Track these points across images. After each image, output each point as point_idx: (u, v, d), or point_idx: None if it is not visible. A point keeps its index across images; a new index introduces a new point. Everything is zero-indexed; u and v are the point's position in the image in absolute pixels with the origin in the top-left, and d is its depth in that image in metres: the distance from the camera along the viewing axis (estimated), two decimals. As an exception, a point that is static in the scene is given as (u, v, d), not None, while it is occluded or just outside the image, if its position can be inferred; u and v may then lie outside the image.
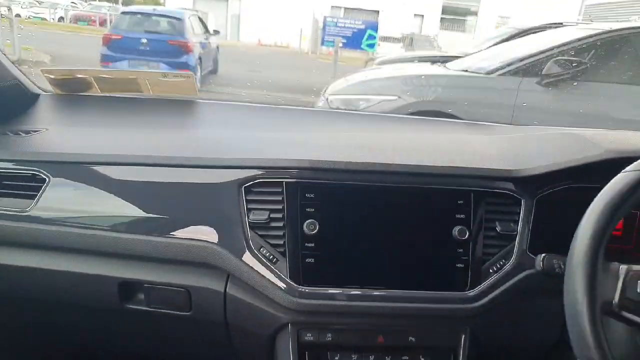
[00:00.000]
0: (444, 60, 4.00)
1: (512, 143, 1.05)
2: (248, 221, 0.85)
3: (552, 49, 3.10)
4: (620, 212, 0.64)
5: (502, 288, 0.86)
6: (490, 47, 4.46)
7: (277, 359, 0.89)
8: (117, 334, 1.08)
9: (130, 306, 0.94)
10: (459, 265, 0.86)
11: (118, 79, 1.23)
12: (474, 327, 0.89)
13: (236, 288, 0.89)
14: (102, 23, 14.99)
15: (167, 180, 0.91)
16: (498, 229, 0.87)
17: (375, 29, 12.96)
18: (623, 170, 0.66)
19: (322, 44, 13.44)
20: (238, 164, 0.89)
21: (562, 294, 0.64)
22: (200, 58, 6.96)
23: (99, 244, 0.90)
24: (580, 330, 0.60)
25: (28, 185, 0.92)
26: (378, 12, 19.49)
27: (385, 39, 15.48)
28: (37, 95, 1.20)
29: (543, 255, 0.77)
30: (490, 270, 0.87)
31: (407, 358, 0.88)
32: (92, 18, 15.70)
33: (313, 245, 0.84)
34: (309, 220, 0.84)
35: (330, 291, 0.84)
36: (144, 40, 6.44)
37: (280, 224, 0.85)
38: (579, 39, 3.15)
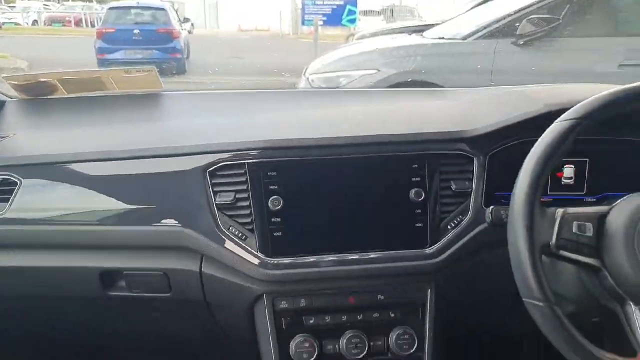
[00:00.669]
0: (422, 29, 3.99)
1: (463, 106, 1.10)
2: (215, 203, 0.89)
3: (525, 8, 3.10)
4: (552, 161, 0.68)
5: (460, 243, 0.91)
6: (465, 12, 4.44)
7: (256, 327, 0.95)
8: (102, 320, 1.14)
9: (113, 293, 0.99)
10: (418, 224, 0.91)
11: (82, 79, 1.24)
12: (438, 281, 0.94)
13: (210, 267, 0.94)
14: (78, 23, 14.71)
15: (135, 172, 0.94)
16: (453, 187, 0.92)
17: (355, 3, 12.74)
18: (555, 121, 0.70)
19: (303, 23, 13.18)
20: (201, 149, 0.92)
21: None
22: (185, 43, 7.80)
23: (77, 238, 0.95)
24: (523, 273, 0.65)
25: (0, 190, 0.95)
26: (356, -14, 19.19)
27: (366, 12, 15.28)
28: (2, 102, 1.21)
29: (491, 207, 0.82)
30: (449, 227, 0.92)
31: (378, 315, 0.94)
32: (67, 18, 15.43)
33: (279, 220, 0.89)
34: (273, 197, 0.89)
35: (298, 260, 0.90)
36: (136, 31, 7.16)
37: (247, 203, 0.89)
38: (551, -4, 3.14)
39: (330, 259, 0.90)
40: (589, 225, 0.68)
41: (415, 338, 0.93)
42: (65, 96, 1.26)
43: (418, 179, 0.91)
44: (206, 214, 0.90)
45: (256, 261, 0.89)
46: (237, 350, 1.11)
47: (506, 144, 0.94)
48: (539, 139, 0.70)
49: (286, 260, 0.89)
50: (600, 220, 0.69)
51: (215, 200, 0.89)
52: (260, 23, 18.42)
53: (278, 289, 0.92)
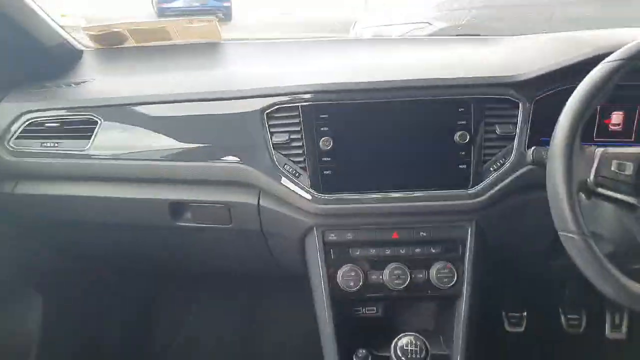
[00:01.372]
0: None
1: (511, 52, 1.10)
2: (272, 143, 0.97)
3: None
4: (594, 100, 0.69)
5: (501, 184, 0.94)
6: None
7: (307, 257, 1.04)
8: (171, 248, 1.27)
9: (180, 223, 1.11)
10: (461, 166, 0.95)
11: (149, 29, 1.34)
12: (479, 220, 0.99)
13: (267, 200, 1.02)
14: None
15: (199, 114, 1.03)
16: (498, 131, 0.95)
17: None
18: (602, 62, 0.71)
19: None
20: (259, 93, 0.99)
21: None
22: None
23: (148, 173, 1.06)
24: (559, 207, 0.67)
25: (84, 128, 1.07)
26: None
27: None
28: (81, 52, 1.33)
29: (533, 147, 0.85)
30: (491, 169, 0.95)
31: (419, 250, 1.00)
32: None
33: (329, 159, 0.96)
34: (324, 138, 0.95)
35: (346, 197, 0.96)
36: None
37: (300, 143, 0.96)
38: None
39: (376, 196, 0.96)
40: (629, 164, 0.69)
41: (455, 273, 0.98)
42: (135, 45, 1.37)
43: (464, 122, 0.94)
44: (264, 153, 0.97)
45: (308, 196, 0.96)
46: (291, 279, 1.21)
47: (552, 89, 0.94)
48: (584, 79, 0.71)
49: (335, 196, 0.96)
50: None
51: (272, 139, 0.97)
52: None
53: (327, 222, 0.99)
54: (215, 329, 1.68)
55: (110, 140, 1.07)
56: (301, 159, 0.96)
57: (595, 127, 0.97)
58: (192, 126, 1.04)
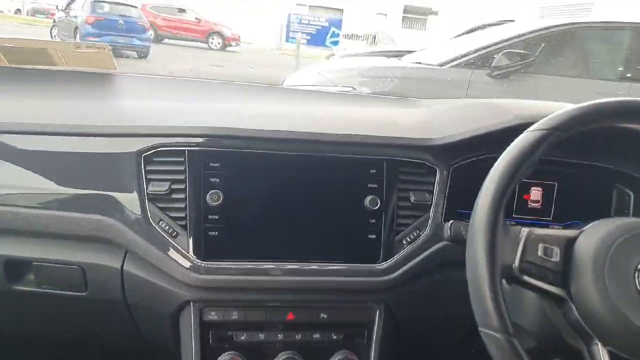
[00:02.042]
0: (401, 55, 4.02)
1: (428, 114, 1.03)
2: (147, 192, 0.79)
3: (501, 42, 3.15)
4: (519, 172, 0.61)
5: (416, 260, 0.84)
6: (444, 41, 4.51)
7: (181, 338, 0.85)
8: (7, 318, 0.99)
9: (19, 287, 0.87)
10: (370, 236, 0.83)
11: (26, 48, 1.14)
12: (389, 301, 0.86)
13: (134, 265, 0.83)
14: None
15: (59, 150, 0.83)
16: (412, 199, 0.85)
17: (339, 26, 12.97)
18: (526, 131, 0.64)
19: (287, 40, 13.33)
20: (136, 131, 0.82)
21: None
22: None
23: None
24: (480, 298, 0.56)
25: None
26: (342, 10, 19.55)
27: (350, 36, 15.54)
28: None
29: (451, 222, 0.73)
30: (404, 242, 0.84)
31: (319, 336, 0.85)
32: (52, 11, 15.27)
33: (217, 217, 0.80)
34: (213, 191, 0.79)
35: (233, 266, 0.80)
36: (122, 22, 8.65)
37: (182, 196, 0.80)
38: (527, 33, 3.21)
39: (270, 267, 0.81)
40: (556, 249, 0.61)
41: None
42: (8, 66, 1.14)
43: (375, 185, 0.83)
44: (134, 204, 0.80)
45: (186, 263, 0.78)
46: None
47: (471, 157, 0.88)
48: (507, 149, 0.63)
49: (219, 265, 0.79)
50: (568, 245, 0.62)
51: (147, 189, 0.80)
52: (244, 36, 18.43)
53: (208, 296, 0.82)
54: None
55: None
56: (182, 214, 0.80)
57: (515, 202, 0.91)
58: (47, 164, 0.84)
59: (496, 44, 3.14)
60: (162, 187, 0.79)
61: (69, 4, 9.39)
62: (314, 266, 0.82)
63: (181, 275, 0.79)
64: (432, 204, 0.85)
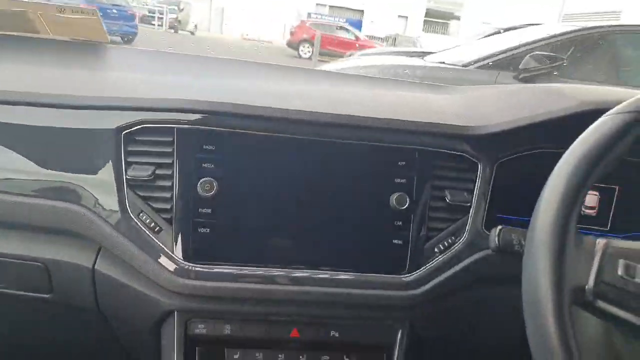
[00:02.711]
0: (423, 54, 3.92)
1: (471, 98, 0.89)
2: (126, 177, 0.67)
3: (530, 43, 3.04)
4: (599, 168, 0.48)
5: (449, 272, 0.71)
6: (468, 43, 4.40)
7: (162, 354, 0.72)
8: None
9: None
10: (396, 241, 0.71)
11: (0, 11, 0.96)
12: (414, 320, 0.74)
13: (108, 264, 0.71)
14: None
15: (21, 123, 0.70)
16: (448, 198, 0.72)
17: (359, 27, 12.89)
18: (606, 114, 0.51)
19: (305, 40, 13.30)
20: (117, 103, 0.69)
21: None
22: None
23: None
24: (541, 326, 0.45)
25: None
26: (363, 11, 19.44)
27: (369, 38, 15.43)
28: None
29: (499, 227, 0.61)
30: (436, 250, 0.72)
31: (328, 358, 0.72)
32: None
33: (209, 210, 0.67)
34: (205, 179, 0.67)
35: (227, 271, 0.67)
36: (114, 10, 10.22)
37: (168, 183, 0.67)
38: (557, 35, 3.10)
39: (272, 273, 0.68)
40: None
41: None
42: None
43: (403, 180, 0.71)
44: (111, 191, 0.67)
45: (170, 265, 0.66)
46: None
47: (523, 151, 0.74)
48: (581, 136, 0.51)
49: (210, 269, 0.67)
50: None
51: (126, 173, 0.67)
52: (264, 34, 18.44)
53: (195, 306, 0.69)
54: None
55: None
56: (167, 205, 0.67)
57: None
58: (8, 139, 0.70)
59: (525, 45, 3.03)
60: (145, 172, 0.67)
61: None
62: (326, 275, 0.69)
63: (164, 279, 0.66)
64: (471, 205, 0.72)
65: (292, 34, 14.43)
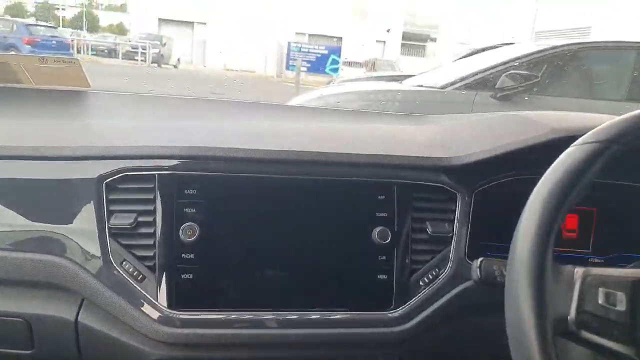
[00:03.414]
0: (401, 79, 3.98)
1: (445, 129, 0.90)
2: (108, 226, 0.67)
3: (505, 63, 3.10)
4: (570, 197, 0.48)
5: (435, 305, 0.71)
6: (444, 65, 4.48)
7: None
8: None
9: None
10: (380, 276, 0.71)
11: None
12: (404, 355, 0.73)
13: (91, 316, 0.70)
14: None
15: (5, 176, 0.70)
16: (429, 230, 0.73)
17: (338, 53, 13.10)
18: (573, 144, 0.52)
19: (287, 68, 13.46)
20: (97, 153, 0.69)
21: None
22: (72, 53, 12.92)
23: None
24: (526, 358, 0.44)
25: None
26: (341, 38, 19.83)
27: (349, 63, 15.71)
28: None
29: (480, 259, 0.61)
30: (421, 283, 0.72)
31: None
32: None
33: (192, 256, 0.67)
34: (187, 224, 0.67)
35: (214, 316, 0.67)
36: (54, 42, 11.73)
37: (150, 230, 0.68)
38: (531, 54, 3.17)
39: (259, 317, 0.68)
40: (621, 295, 0.47)
41: None
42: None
43: (384, 214, 0.72)
44: (93, 241, 0.67)
45: (154, 313, 0.66)
46: None
47: (499, 179, 0.75)
48: (552, 166, 0.51)
49: (196, 316, 0.67)
50: (636, 288, 0.48)
51: (109, 222, 0.67)
52: (246, 64, 18.66)
53: (183, 354, 0.68)
54: None
55: None
56: (150, 253, 0.67)
57: None
58: None
59: (499, 65, 3.09)
60: (127, 220, 0.67)
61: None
62: (315, 316, 0.69)
63: (148, 329, 0.66)
64: (453, 236, 0.73)
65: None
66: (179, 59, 19.00)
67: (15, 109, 0.93)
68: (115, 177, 0.68)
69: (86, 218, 0.68)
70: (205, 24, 22.22)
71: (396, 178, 0.72)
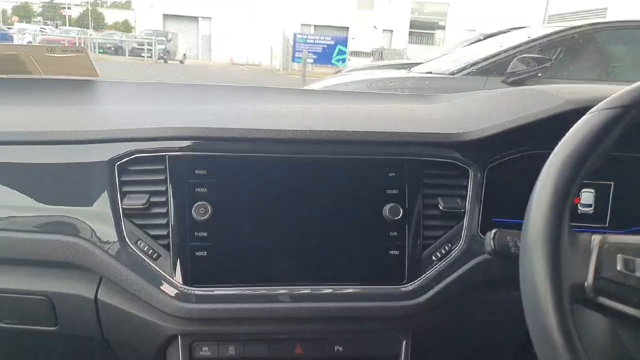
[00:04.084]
0: (410, 66, 3.91)
1: (456, 106, 0.88)
2: (122, 207, 0.69)
3: (516, 47, 3.03)
4: (587, 164, 0.47)
5: (448, 279, 0.71)
6: (453, 51, 4.40)
7: None
8: None
9: None
10: (392, 252, 0.71)
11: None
12: (417, 330, 0.74)
13: (110, 293, 0.72)
14: (71, 46, 15.00)
15: (18, 161, 0.72)
16: (441, 206, 0.72)
17: (345, 44, 13.00)
18: (590, 111, 0.51)
19: (293, 60, 13.40)
20: (108, 136, 0.70)
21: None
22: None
23: None
24: (543, 325, 0.43)
25: None
26: (347, 28, 19.69)
27: (356, 53, 15.61)
28: None
29: (494, 231, 0.60)
30: (433, 258, 0.72)
31: None
32: (62, 42, 15.73)
33: (205, 234, 0.68)
34: (199, 203, 0.68)
35: (227, 292, 0.68)
36: None
37: (163, 210, 0.69)
38: (543, 37, 3.08)
39: (273, 292, 0.69)
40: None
41: None
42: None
43: (395, 191, 0.71)
44: (108, 222, 0.69)
45: (170, 290, 0.67)
46: None
47: (512, 154, 0.74)
48: (567, 134, 0.50)
49: (211, 291, 0.68)
50: None
51: (122, 203, 0.69)
52: (252, 58, 18.64)
53: (199, 329, 0.70)
54: None
55: None
56: (163, 232, 0.69)
57: None
58: (2, 179, 0.72)
59: (510, 49, 3.01)
60: (140, 201, 0.68)
61: None
62: (327, 290, 0.70)
63: (165, 305, 0.67)
64: (465, 211, 0.73)
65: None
66: (184, 54, 19.06)
67: (27, 97, 0.94)
68: (126, 159, 0.69)
69: (100, 200, 0.69)
70: (210, 18, 22.20)
71: (407, 155, 0.72)
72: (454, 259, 0.72)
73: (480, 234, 0.72)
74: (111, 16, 34.25)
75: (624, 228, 0.78)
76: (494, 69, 3.01)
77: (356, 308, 0.70)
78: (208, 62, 20.71)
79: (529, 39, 3.05)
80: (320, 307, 0.69)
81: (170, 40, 17.95)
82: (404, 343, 0.73)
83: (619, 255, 0.47)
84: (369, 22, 20.07)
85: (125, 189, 0.69)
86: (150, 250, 0.68)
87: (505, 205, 0.73)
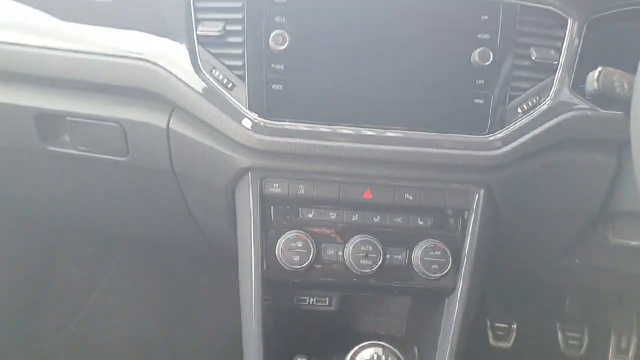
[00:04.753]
0: None
1: None
2: (197, 34, 0.66)
3: None
4: None
5: (532, 134, 0.67)
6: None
7: (237, 214, 0.73)
8: (46, 189, 0.91)
9: (53, 148, 0.77)
10: (477, 100, 0.67)
11: None
12: (492, 183, 0.70)
13: (182, 123, 0.71)
14: None
15: None
16: (533, 55, 0.67)
17: None
18: None
19: None
20: None
21: (618, 144, 0.54)
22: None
23: (7, 59, 0.71)
24: None
25: None
26: None
27: None
28: None
29: (599, 68, 0.53)
30: (519, 110, 0.68)
31: (401, 220, 0.71)
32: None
33: (282, 66, 0.66)
34: (277, 32, 0.64)
35: (301, 127, 0.66)
36: None
37: (239, 39, 0.66)
38: None
39: (348, 131, 0.66)
40: None
41: (449, 257, 0.70)
42: None
43: (486, 35, 0.66)
44: (183, 49, 0.66)
45: (244, 120, 0.66)
46: (217, 245, 0.90)
47: (620, 6, 0.67)
48: None
49: (285, 125, 0.66)
50: None
51: (197, 29, 0.66)
52: None
53: (270, 164, 0.69)
54: (123, 322, 1.29)
55: None
56: (239, 62, 0.66)
57: None
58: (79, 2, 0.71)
59: None
60: (215, 28, 0.65)
61: None
62: (402, 134, 0.67)
63: (238, 134, 0.66)
64: (559, 64, 0.67)
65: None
66: None
67: None
68: None
69: (175, 26, 0.67)
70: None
71: None
72: (541, 113, 0.67)
73: (572, 91, 0.67)
74: None
75: None
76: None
77: (432, 154, 0.67)
78: None
79: None
80: (394, 151, 0.67)
81: None
82: (477, 196, 0.71)
83: None
84: None
85: (200, 15, 0.66)
86: (225, 80, 0.66)
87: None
